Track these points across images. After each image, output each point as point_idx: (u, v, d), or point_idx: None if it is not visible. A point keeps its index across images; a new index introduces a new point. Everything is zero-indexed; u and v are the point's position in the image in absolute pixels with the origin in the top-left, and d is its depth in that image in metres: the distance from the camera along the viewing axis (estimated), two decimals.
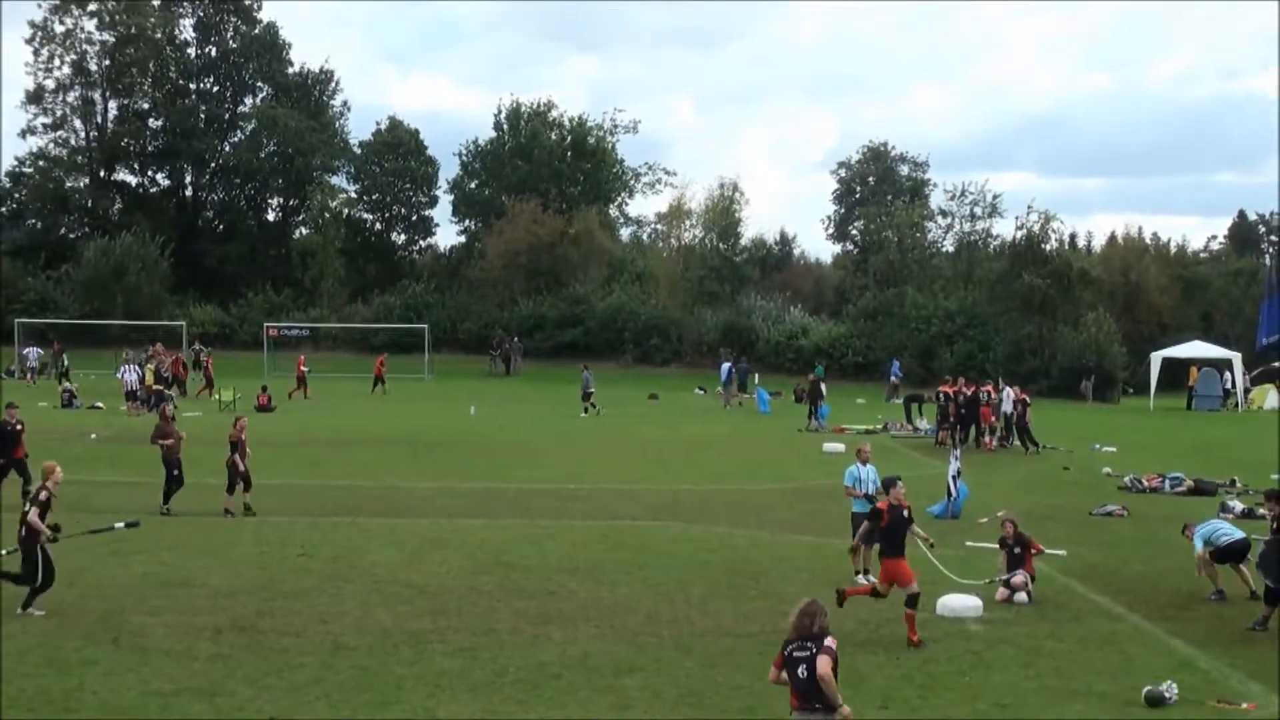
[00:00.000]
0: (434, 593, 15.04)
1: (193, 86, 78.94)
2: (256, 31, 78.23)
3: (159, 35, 76.00)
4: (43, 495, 13.83)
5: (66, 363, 48.18)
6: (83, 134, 76.25)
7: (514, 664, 12.13)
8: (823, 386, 39.47)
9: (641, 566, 16.80)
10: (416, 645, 12.73)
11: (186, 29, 78.50)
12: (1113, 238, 77.54)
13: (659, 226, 79.86)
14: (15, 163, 75.53)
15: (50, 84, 74.20)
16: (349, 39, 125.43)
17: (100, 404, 40.33)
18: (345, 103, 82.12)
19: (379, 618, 13.82)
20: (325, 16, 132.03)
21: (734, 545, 18.55)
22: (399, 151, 78.41)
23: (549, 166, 75.01)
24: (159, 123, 77.92)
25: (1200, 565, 15.56)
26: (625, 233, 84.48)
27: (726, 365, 49.02)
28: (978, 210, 70.20)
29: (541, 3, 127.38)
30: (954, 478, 21.72)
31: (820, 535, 18.91)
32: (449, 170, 79.23)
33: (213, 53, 78.54)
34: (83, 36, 74.37)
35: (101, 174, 76.98)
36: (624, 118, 78.16)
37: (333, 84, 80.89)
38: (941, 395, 34.00)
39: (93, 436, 31.45)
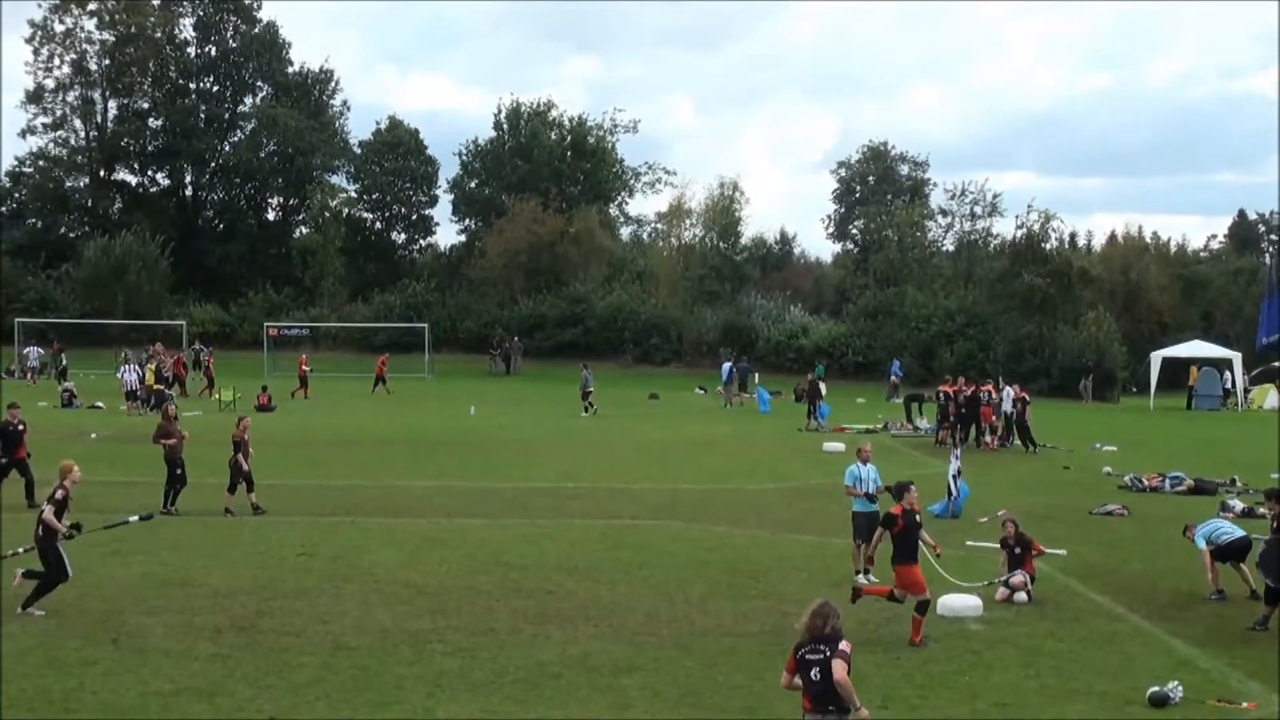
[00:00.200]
0: (433, 592, 15.04)
1: (193, 86, 78.96)
2: (256, 31, 78.26)
3: (159, 35, 76.01)
4: (59, 494, 13.85)
5: (65, 362, 48.15)
6: (83, 133, 76.39)
7: (513, 664, 12.12)
8: (822, 386, 39.50)
9: (641, 566, 16.80)
10: (416, 645, 12.72)
11: (186, 28, 78.66)
12: (1113, 237, 77.77)
13: (659, 226, 79.97)
14: (15, 162, 75.93)
15: (50, 84, 74.44)
16: (349, 39, 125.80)
17: (100, 404, 40.38)
18: (345, 102, 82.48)
19: (379, 617, 13.82)
20: (325, 16, 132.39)
21: (734, 544, 18.54)
22: (399, 151, 78.41)
23: (549, 166, 75.01)
24: (159, 122, 77.98)
25: (1209, 567, 15.44)
26: (625, 232, 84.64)
27: (727, 365, 49.01)
28: (978, 210, 70.36)
29: (541, 3, 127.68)
30: (954, 477, 21.73)
31: (820, 535, 18.93)
32: (449, 170, 79.49)
33: (213, 52, 78.56)
34: (82, 36, 74.57)
35: (101, 173, 76.98)
36: (624, 118, 78.48)
37: (333, 84, 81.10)
38: (942, 394, 33.98)
39: (93, 436, 31.47)
